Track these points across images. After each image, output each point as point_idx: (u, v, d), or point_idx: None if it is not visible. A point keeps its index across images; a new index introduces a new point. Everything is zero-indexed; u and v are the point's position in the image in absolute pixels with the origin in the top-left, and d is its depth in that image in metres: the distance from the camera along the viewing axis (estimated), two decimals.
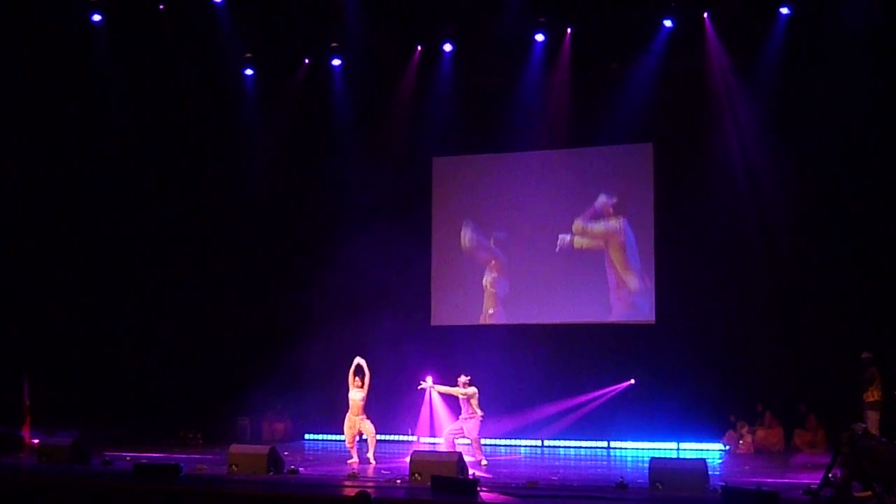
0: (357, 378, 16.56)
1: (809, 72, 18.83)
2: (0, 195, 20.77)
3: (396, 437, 20.99)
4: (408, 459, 13.56)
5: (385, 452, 18.65)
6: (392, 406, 20.66)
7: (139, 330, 21.92)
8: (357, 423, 16.51)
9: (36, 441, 17.09)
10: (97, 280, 21.83)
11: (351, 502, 8.83)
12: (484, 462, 16.20)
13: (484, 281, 21.88)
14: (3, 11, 19.59)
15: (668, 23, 19.51)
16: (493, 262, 21.86)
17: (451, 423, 17.52)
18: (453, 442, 16.64)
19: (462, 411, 16.84)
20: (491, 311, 21.80)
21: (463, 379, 16.73)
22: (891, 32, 17.94)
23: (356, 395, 16.50)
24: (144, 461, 14.72)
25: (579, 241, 21.15)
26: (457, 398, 16.85)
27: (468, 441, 16.81)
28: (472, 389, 16.65)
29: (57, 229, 21.51)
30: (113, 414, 20.81)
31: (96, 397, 21.01)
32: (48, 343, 21.05)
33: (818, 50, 18.65)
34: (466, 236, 22.08)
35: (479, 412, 16.65)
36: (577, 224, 21.16)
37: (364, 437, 16.76)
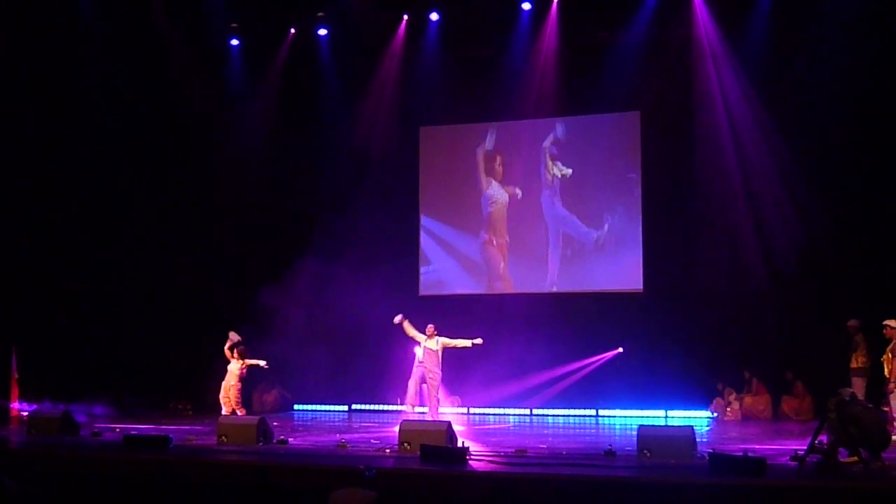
0: (231, 352, 17.31)
1: (796, 40, 18.77)
2: None
3: (385, 407, 21.05)
4: (396, 429, 13.56)
5: (374, 422, 18.72)
6: (381, 376, 20.68)
7: (129, 300, 21.87)
8: (228, 391, 17.22)
9: (25, 413, 17.06)
10: (85, 251, 21.74)
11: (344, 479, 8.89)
12: None
13: (470, 251, 21.91)
14: None
15: None
16: (480, 231, 21.87)
17: (443, 392, 17.51)
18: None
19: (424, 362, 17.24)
20: (479, 280, 21.85)
21: (430, 329, 17.25)
22: None
23: (233, 366, 17.25)
24: (134, 432, 14.72)
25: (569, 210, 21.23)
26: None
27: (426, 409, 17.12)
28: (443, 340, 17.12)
29: (45, 202, 21.39)
30: (103, 386, 20.76)
31: (86, 369, 20.96)
32: (37, 315, 20.97)
33: (805, 18, 18.60)
34: (453, 205, 22.09)
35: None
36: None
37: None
